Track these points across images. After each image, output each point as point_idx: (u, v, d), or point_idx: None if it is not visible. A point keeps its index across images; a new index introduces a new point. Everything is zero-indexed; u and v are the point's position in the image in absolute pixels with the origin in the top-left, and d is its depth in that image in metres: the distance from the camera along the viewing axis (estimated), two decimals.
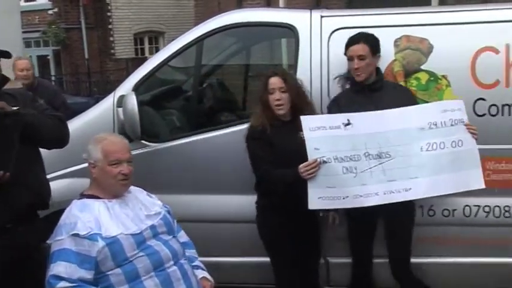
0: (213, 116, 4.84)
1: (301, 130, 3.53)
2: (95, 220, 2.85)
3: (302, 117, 3.50)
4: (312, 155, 3.45)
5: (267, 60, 7.17)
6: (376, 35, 3.79)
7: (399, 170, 3.48)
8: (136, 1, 20.60)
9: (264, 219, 3.81)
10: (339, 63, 3.95)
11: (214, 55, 5.14)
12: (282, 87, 3.61)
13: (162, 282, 2.90)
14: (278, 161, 3.58)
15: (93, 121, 4.39)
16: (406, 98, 3.71)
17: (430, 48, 3.89)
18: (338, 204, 3.55)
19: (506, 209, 3.92)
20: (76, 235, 2.79)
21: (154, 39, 21.90)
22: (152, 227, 3.02)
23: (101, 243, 2.80)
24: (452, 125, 3.50)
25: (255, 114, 3.75)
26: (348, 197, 3.48)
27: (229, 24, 4.22)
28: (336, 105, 3.75)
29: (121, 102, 4.06)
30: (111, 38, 20.25)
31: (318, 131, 3.47)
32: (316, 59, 4.00)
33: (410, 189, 3.48)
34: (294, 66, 4.06)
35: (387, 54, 3.78)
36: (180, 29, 15.28)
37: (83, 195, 3.04)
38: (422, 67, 3.89)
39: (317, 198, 3.48)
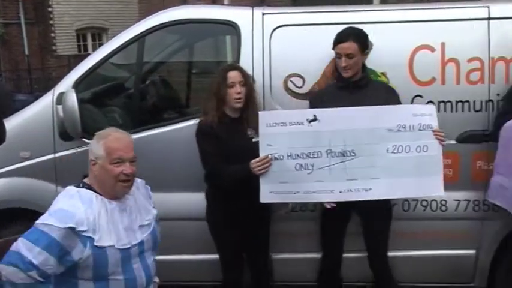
0: (155, 113, 4.79)
1: (249, 127, 3.58)
2: (93, 220, 2.70)
3: (260, 113, 3.52)
4: (264, 151, 3.47)
5: (210, 57, 7.15)
6: (316, 32, 3.83)
7: (361, 169, 3.49)
8: None
9: (212, 210, 3.82)
10: (281, 61, 3.99)
11: (157, 52, 5.09)
12: (242, 81, 3.61)
13: None
14: (226, 157, 3.58)
15: (32, 118, 4.31)
16: (389, 98, 3.69)
17: (370, 45, 3.94)
18: (289, 198, 3.59)
19: (443, 203, 4.03)
20: (72, 228, 2.61)
21: (97, 35, 21.44)
22: (141, 243, 2.90)
23: (88, 251, 2.67)
24: (420, 130, 3.50)
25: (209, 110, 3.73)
26: (298, 192, 3.52)
27: (170, 21, 4.20)
28: (320, 100, 3.71)
29: (61, 99, 3.99)
30: (53, 34, 19.74)
31: (276, 127, 3.47)
32: (258, 56, 4.02)
33: (370, 189, 3.50)
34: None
35: (328, 51, 3.79)
36: (124, 26, 14.86)
37: (84, 184, 2.86)
38: None
39: (269, 193, 3.51)
